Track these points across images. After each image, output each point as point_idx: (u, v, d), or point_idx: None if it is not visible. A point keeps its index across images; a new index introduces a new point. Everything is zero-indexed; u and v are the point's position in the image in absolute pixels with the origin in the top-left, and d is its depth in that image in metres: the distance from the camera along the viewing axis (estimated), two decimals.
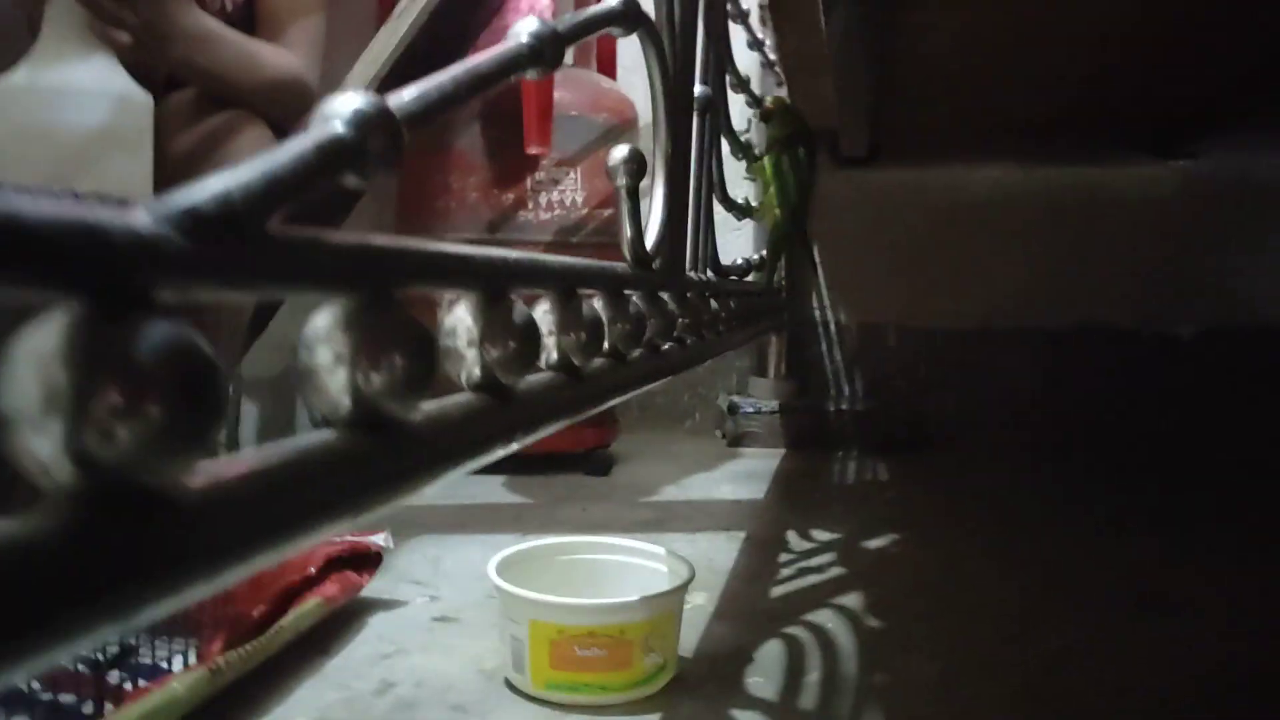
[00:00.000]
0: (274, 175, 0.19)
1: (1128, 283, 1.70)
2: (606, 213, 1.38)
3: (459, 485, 1.37)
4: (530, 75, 0.43)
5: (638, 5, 0.56)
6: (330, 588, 0.78)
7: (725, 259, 1.07)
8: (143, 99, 0.89)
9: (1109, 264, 1.70)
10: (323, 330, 0.22)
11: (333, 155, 0.21)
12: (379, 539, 0.87)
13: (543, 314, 0.39)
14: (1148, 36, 1.10)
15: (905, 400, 1.73)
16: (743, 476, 1.48)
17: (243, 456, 0.18)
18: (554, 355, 0.39)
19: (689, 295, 0.73)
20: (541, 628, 0.67)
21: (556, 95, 1.36)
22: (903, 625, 0.85)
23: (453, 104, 0.33)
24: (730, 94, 1.27)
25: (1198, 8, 1.00)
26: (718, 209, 1.08)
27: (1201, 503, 1.36)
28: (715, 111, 0.97)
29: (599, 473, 1.46)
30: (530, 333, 0.33)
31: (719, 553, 1.05)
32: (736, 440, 1.70)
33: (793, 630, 0.82)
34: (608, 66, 1.62)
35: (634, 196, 0.57)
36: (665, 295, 0.67)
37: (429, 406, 0.26)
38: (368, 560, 0.85)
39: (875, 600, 0.90)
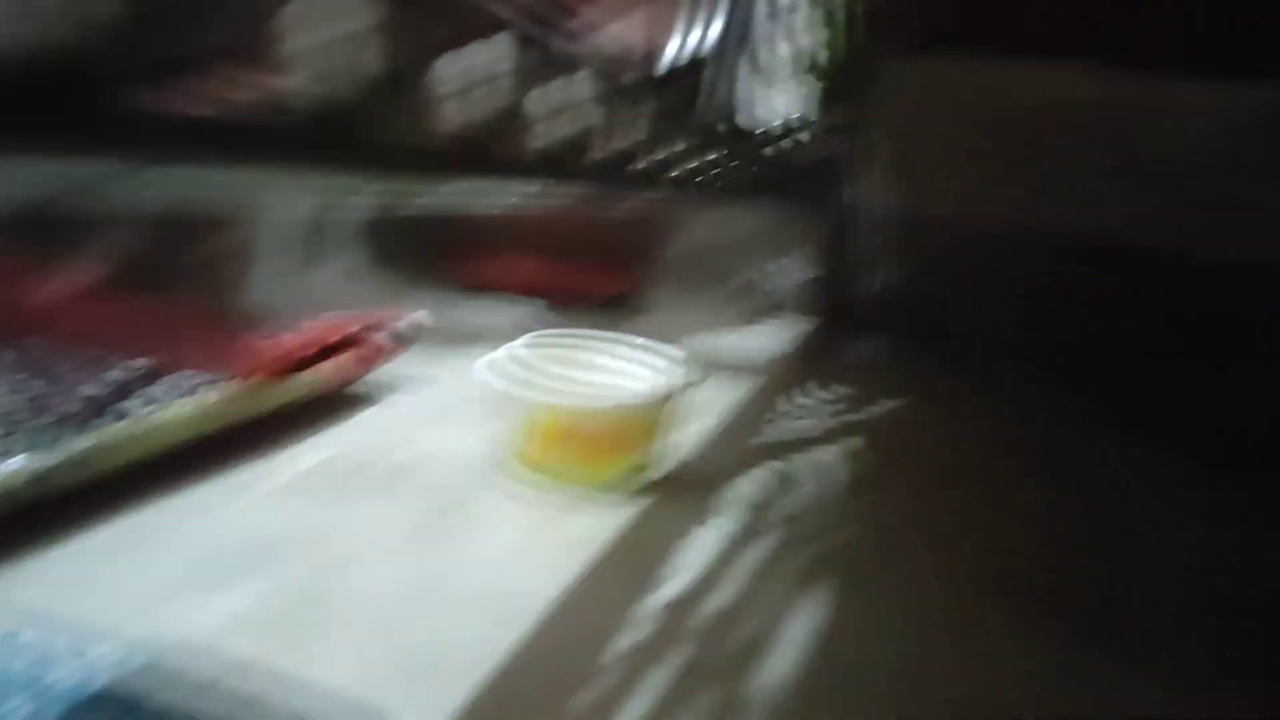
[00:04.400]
0: None
1: (1172, 204, 1.66)
2: None
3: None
4: None
5: None
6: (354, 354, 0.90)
7: None
8: None
9: (1157, 184, 1.66)
10: None
11: None
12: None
13: None
14: None
15: (931, 289, 1.74)
16: (768, 337, 1.55)
17: None
18: None
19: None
20: (527, 421, 0.73)
21: None
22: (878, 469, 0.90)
23: None
24: None
25: None
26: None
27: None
28: None
29: (623, 316, 1.51)
30: None
31: (731, 390, 1.12)
32: (766, 309, 1.74)
33: (783, 463, 0.88)
34: None
35: None
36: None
37: None
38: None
39: (855, 449, 0.95)
